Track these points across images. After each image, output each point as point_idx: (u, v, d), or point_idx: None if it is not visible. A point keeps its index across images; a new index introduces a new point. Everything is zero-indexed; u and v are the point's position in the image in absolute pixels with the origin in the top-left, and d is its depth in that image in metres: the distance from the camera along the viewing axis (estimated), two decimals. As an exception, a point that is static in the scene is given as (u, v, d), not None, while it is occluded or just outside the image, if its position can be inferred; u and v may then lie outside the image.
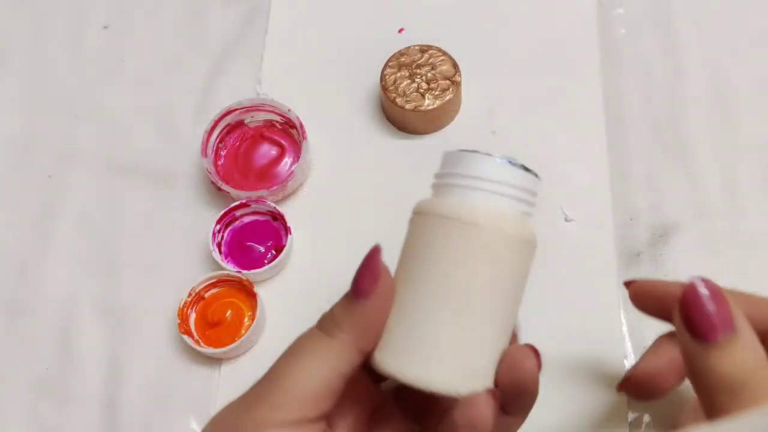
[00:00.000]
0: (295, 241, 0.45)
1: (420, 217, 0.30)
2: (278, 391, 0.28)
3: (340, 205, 0.47)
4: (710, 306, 0.27)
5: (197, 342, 0.42)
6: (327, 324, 0.30)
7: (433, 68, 0.41)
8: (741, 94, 0.47)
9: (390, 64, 0.42)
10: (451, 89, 0.41)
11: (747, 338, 0.27)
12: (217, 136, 0.47)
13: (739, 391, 0.26)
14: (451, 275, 0.29)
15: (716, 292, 0.27)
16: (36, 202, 0.48)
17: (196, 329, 0.43)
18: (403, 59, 0.41)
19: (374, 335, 0.30)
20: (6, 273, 0.46)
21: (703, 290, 0.27)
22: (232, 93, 0.50)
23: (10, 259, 0.47)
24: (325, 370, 0.28)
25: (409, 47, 0.43)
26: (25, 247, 0.47)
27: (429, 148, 0.47)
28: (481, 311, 0.29)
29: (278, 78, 0.50)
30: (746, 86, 0.48)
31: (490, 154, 0.30)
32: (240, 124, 0.48)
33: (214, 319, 0.43)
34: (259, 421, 0.27)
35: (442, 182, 0.31)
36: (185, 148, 0.49)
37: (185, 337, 0.42)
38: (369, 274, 0.29)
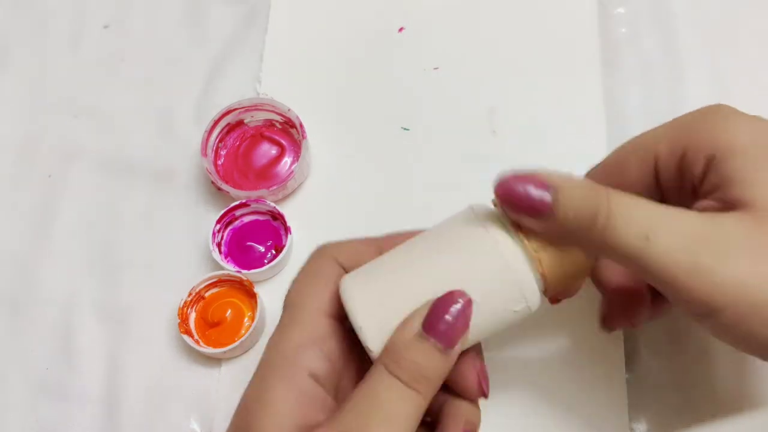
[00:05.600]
0: (295, 241, 0.45)
1: (467, 208, 0.31)
2: None
3: (340, 205, 0.47)
4: (521, 190, 0.27)
5: (197, 342, 0.42)
6: (409, 374, 0.27)
7: None
8: (741, 94, 0.47)
9: None
10: None
11: (567, 187, 0.27)
12: (217, 136, 0.47)
13: (592, 220, 0.27)
14: (436, 248, 0.30)
15: (516, 176, 0.27)
16: (36, 202, 0.48)
17: (196, 329, 0.43)
18: None
19: (438, 386, 0.27)
20: (6, 273, 0.46)
21: (504, 178, 0.27)
22: (232, 93, 0.49)
23: (10, 259, 0.47)
24: None
25: None
26: (25, 247, 0.47)
27: (430, 148, 0.47)
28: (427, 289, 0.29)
29: (278, 78, 0.50)
30: (746, 86, 0.48)
31: None
32: (240, 123, 0.48)
33: (214, 319, 0.43)
34: None
35: None
36: (185, 148, 0.49)
37: (185, 337, 0.42)
38: (463, 325, 0.28)
